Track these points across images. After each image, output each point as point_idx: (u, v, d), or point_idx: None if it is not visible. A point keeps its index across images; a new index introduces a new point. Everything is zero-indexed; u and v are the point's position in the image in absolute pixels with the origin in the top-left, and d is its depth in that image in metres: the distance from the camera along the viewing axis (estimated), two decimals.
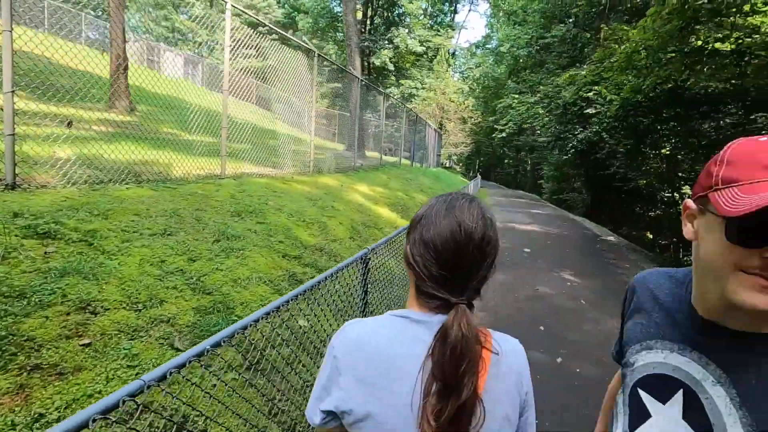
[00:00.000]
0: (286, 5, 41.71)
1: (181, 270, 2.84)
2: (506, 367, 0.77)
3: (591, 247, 8.72)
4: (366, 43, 33.91)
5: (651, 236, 14.10)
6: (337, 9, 38.90)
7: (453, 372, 0.68)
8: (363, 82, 13.03)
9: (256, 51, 6.86)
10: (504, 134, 22.32)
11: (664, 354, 0.74)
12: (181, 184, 4.63)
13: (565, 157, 14.58)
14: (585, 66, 10.46)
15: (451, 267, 0.75)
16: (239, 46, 6.27)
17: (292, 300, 1.90)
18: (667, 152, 8.06)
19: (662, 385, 0.72)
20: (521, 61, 28.75)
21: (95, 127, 5.87)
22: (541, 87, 21.14)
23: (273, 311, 1.74)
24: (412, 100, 33.70)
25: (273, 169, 6.84)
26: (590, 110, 11.83)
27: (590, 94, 10.38)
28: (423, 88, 32.85)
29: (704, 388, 0.68)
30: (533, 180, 35.54)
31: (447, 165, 47.54)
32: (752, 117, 6.31)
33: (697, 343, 0.71)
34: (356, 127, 10.59)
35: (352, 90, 15.01)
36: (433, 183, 14.05)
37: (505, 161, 49.75)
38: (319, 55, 7.70)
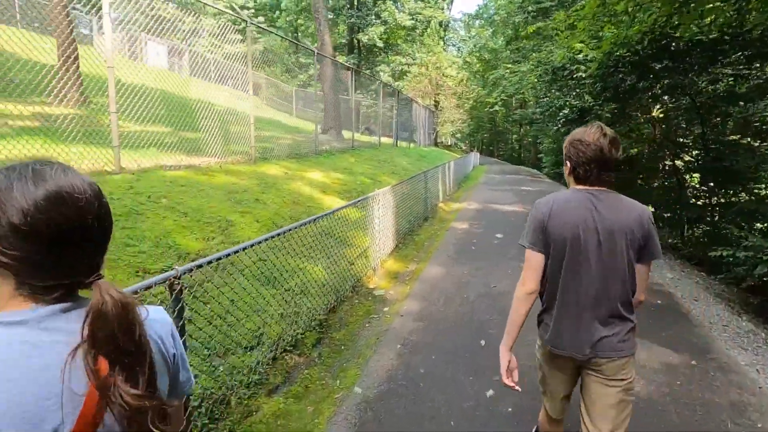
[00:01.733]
0: None
1: None
2: (151, 332, 0.75)
3: None
4: (353, 19, 32.49)
5: (653, 210, 13.04)
6: None
7: (132, 339, 0.67)
8: (320, 57, 12.01)
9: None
10: (496, 107, 21.06)
11: None
12: None
13: (555, 128, 13.45)
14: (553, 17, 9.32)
15: (72, 247, 0.66)
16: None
17: None
18: (660, 114, 7.01)
19: None
20: (519, 30, 27.10)
21: (17, 123, 5.15)
22: (535, 54, 19.80)
23: None
24: (405, 77, 32.32)
25: (198, 158, 5.99)
26: (581, 74, 10.69)
27: (580, 55, 9.27)
28: (414, 64, 31.38)
29: None
30: (535, 154, 34.19)
31: (449, 144, 46.22)
32: (756, 65, 5.26)
33: None
34: (291, 102, 9.64)
35: (323, 68, 13.99)
36: (414, 163, 13.10)
37: (508, 136, 48.23)
38: (252, 23, 6.74)
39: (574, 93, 9.77)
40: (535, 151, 33.76)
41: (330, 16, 35.77)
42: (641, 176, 12.56)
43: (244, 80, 6.83)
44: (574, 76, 11.12)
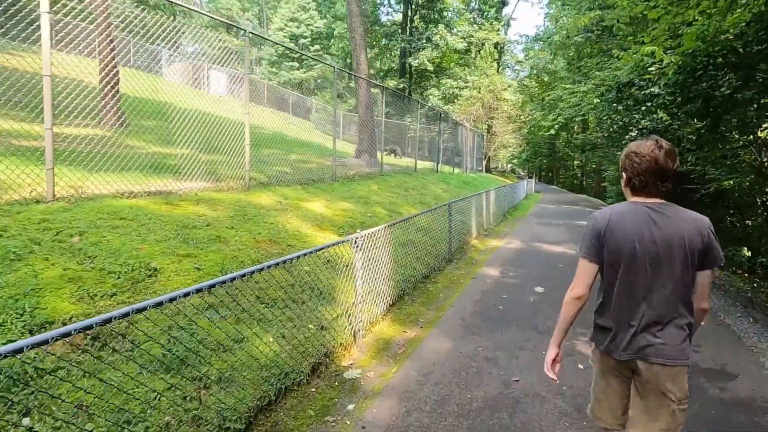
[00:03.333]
0: (327, 15, 41.48)
1: None
2: None
3: None
4: (403, 44, 32.15)
5: (749, 254, 10.55)
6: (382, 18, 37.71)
7: None
8: (355, 77, 11.15)
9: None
10: (552, 131, 19.18)
11: None
12: None
13: (620, 152, 11.52)
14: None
15: None
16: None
17: None
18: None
19: None
20: (582, 50, 25.09)
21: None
22: (597, 73, 17.96)
23: None
24: (456, 100, 31.15)
25: (178, 183, 5.17)
26: (655, 89, 8.92)
27: (652, 66, 7.61)
28: (466, 87, 30.18)
29: None
30: (598, 183, 31.17)
31: (504, 170, 44.06)
32: None
33: None
34: (335, 132, 8.71)
35: (358, 89, 13.25)
36: (451, 191, 11.72)
37: (569, 163, 45.09)
38: (250, 33, 5.95)
39: (643, 108, 8.01)
40: (598, 179, 30.93)
41: (384, 42, 35.97)
42: (732, 212, 10.27)
43: (238, 85, 6.02)
44: (644, 92, 9.31)
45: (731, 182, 5.88)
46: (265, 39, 7.40)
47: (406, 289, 4.94)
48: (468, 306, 4.65)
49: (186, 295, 1.98)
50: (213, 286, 2.16)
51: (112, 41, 7.68)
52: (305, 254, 3.08)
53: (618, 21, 7.22)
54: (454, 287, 5.37)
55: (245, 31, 5.86)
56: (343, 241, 3.48)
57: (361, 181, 9.07)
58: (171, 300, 1.90)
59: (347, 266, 4.05)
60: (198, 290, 2.05)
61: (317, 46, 39.21)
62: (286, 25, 38.81)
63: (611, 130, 11.88)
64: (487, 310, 4.52)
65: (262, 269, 2.58)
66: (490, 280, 5.67)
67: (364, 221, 6.22)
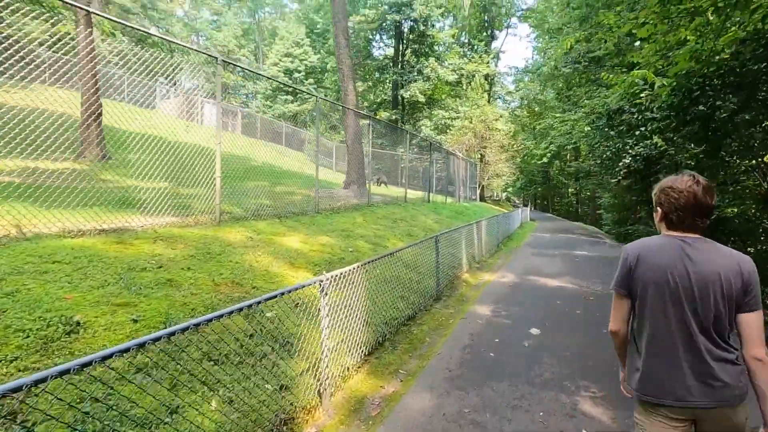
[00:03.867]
0: (321, 50, 42.43)
1: None
2: None
3: None
4: (395, 77, 32.67)
5: None
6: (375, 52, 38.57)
7: None
8: (343, 108, 10.96)
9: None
10: (544, 159, 19.08)
11: None
12: None
13: (614, 180, 11.28)
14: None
15: None
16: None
17: None
18: None
19: None
20: (571, 80, 25.45)
21: None
22: (587, 101, 18.01)
23: None
24: (449, 130, 31.34)
25: (140, 218, 4.73)
26: (648, 113, 8.72)
27: (643, 94, 7.40)
28: (457, 118, 30.45)
29: None
30: (594, 210, 31.00)
31: (499, 198, 44.05)
32: None
33: None
34: (317, 159, 8.35)
35: (346, 119, 13.09)
36: (443, 221, 11.31)
37: (564, 191, 45.20)
38: (223, 59, 5.68)
39: (637, 133, 7.74)
40: (594, 206, 30.80)
41: (376, 75, 36.62)
42: (733, 239, 9.90)
43: (231, 117, 5.69)
44: (637, 117, 9.09)
45: (735, 210, 5.51)
46: (237, 66, 6.92)
47: (387, 334, 4.43)
48: (455, 353, 4.13)
49: (64, 373, 1.50)
50: (108, 357, 1.68)
51: (95, 75, 7.45)
52: (251, 305, 2.59)
53: (605, 41, 7.05)
54: (442, 329, 4.85)
55: (217, 58, 5.60)
56: (304, 286, 3.01)
57: (346, 212, 8.66)
58: (36, 383, 1.43)
59: (317, 312, 3.57)
60: (84, 365, 1.57)
61: (311, 80, 39.95)
62: (280, 60, 39.60)
63: (604, 156, 11.67)
64: (476, 359, 4.00)
65: (185, 329, 2.09)
66: (481, 320, 5.16)
67: (344, 257, 5.76)
